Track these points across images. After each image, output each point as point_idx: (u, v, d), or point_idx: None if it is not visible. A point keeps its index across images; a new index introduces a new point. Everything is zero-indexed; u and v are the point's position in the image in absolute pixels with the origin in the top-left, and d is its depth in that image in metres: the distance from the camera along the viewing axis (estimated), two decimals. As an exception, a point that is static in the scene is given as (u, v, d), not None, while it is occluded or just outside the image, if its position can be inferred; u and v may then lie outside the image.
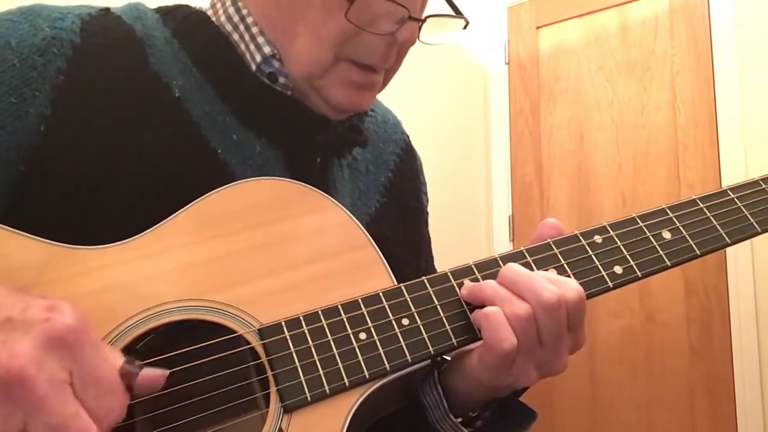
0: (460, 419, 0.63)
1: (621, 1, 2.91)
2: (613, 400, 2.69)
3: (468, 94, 3.14)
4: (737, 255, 2.47)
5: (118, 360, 0.45)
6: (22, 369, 0.39)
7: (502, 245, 2.99)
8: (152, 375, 0.47)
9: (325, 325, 0.56)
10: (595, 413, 2.72)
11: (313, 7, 0.63)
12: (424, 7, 0.68)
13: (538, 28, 3.12)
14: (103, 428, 0.42)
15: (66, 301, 0.44)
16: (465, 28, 0.69)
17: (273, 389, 0.53)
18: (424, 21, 0.65)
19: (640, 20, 2.87)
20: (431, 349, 0.57)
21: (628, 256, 0.63)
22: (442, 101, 2.94)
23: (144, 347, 0.53)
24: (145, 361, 0.48)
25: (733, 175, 2.49)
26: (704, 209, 0.67)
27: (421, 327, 0.58)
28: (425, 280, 0.60)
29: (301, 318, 0.56)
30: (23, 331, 0.41)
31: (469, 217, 3.00)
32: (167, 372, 0.48)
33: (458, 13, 0.69)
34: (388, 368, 0.55)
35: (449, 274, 0.61)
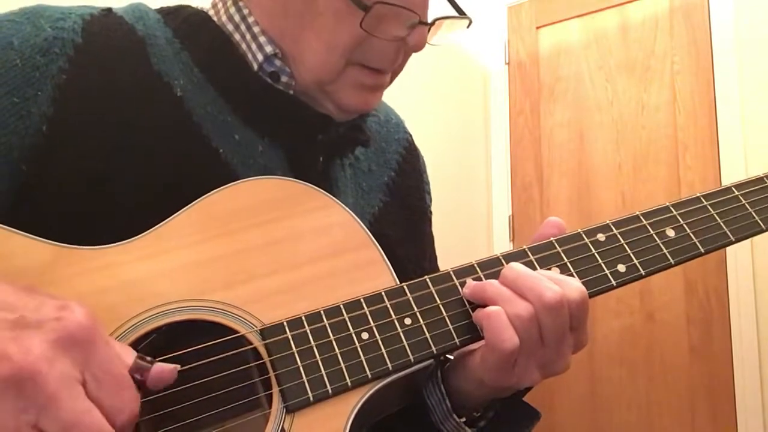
0: (463, 419, 0.63)
1: (621, 1, 2.91)
2: (612, 399, 2.69)
3: (468, 94, 3.14)
4: (737, 255, 2.47)
5: (130, 356, 0.46)
6: (33, 365, 0.40)
7: (502, 245, 2.99)
8: (164, 369, 0.47)
9: (327, 325, 0.56)
10: (595, 413, 2.72)
11: (323, 15, 0.63)
12: (428, 9, 0.68)
13: (538, 28, 3.12)
14: (121, 423, 0.43)
15: (77, 301, 0.44)
16: (468, 27, 0.70)
17: (275, 389, 0.53)
18: (432, 24, 0.66)
19: (640, 20, 2.87)
20: (434, 348, 0.57)
21: (631, 255, 0.63)
22: (442, 101, 2.94)
23: (146, 348, 0.52)
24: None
25: (733, 175, 2.49)
26: (708, 207, 0.67)
27: (424, 326, 0.57)
28: (427, 280, 0.60)
29: (303, 318, 0.56)
30: (35, 329, 0.42)
31: (469, 217, 3.00)
32: (178, 366, 0.48)
33: (461, 12, 0.69)
34: (390, 368, 0.55)
35: (452, 273, 0.61)
